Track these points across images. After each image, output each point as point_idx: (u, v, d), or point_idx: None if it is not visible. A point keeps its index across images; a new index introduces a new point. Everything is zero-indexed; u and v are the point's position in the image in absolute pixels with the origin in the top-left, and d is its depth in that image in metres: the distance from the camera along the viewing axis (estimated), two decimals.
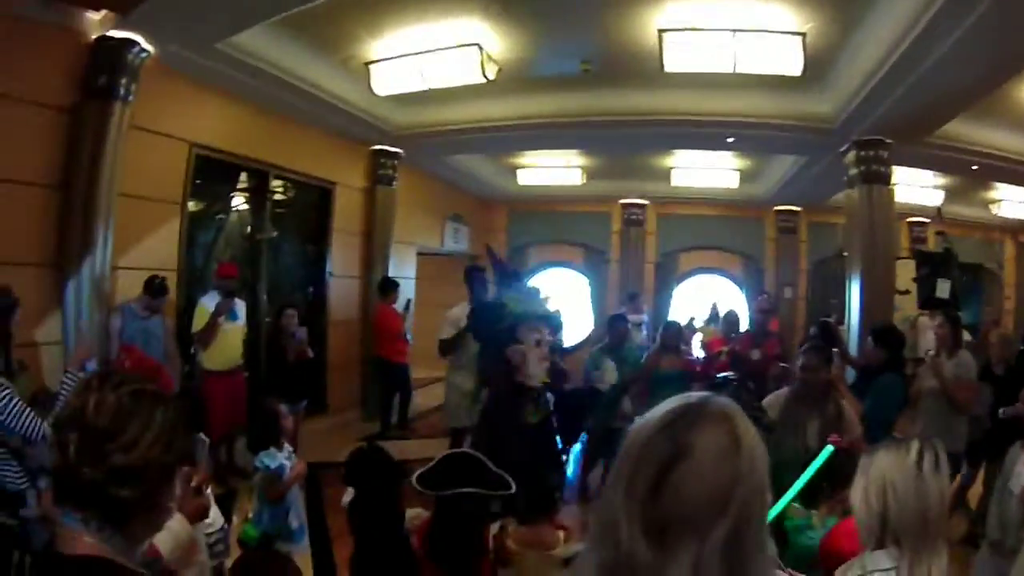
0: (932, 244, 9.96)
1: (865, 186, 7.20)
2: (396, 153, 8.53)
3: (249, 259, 6.87)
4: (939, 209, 8.82)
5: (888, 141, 7.05)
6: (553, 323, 4.81)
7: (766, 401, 4.15)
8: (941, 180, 9.51)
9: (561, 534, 3.10)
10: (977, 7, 4.37)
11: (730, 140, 8.06)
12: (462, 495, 2.81)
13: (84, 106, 4.86)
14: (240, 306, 5.83)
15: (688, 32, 5.48)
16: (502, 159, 10.45)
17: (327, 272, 7.91)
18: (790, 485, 1.87)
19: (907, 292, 8.13)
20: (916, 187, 9.79)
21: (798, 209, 11.55)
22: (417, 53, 5.99)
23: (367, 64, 6.23)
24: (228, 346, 5.73)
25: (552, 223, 12.52)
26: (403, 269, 9.24)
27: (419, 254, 10.11)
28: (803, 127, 7.20)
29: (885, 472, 1.77)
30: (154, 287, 5.08)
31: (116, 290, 5.15)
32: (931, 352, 5.29)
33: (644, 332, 10.05)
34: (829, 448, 2.20)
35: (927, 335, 6.87)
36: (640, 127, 7.65)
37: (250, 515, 3.87)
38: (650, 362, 6.29)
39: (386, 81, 6.32)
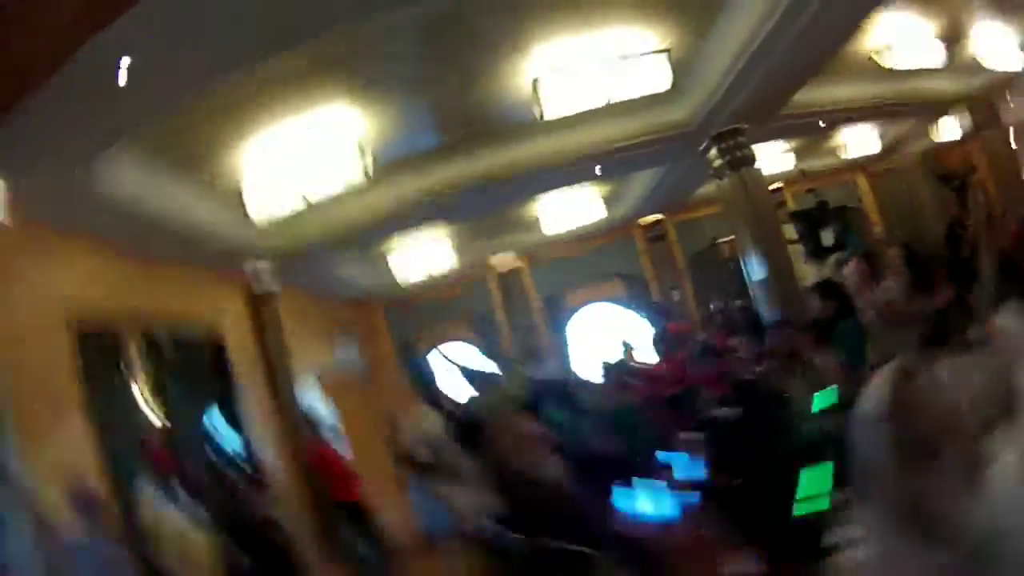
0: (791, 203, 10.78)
1: (734, 172, 7.62)
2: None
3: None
4: (802, 171, 9.48)
5: (744, 127, 7.51)
6: None
7: None
8: (789, 144, 10.19)
9: None
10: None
11: (598, 171, 8.23)
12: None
13: None
14: None
15: (561, 75, 5.54)
16: (376, 259, 10.05)
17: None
18: None
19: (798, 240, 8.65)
20: (767, 158, 10.34)
21: (662, 217, 11.97)
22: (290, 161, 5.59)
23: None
24: None
25: (434, 308, 12.22)
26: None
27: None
28: (663, 138, 7.50)
29: None
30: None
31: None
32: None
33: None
34: None
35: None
36: (513, 181, 7.62)
37: None
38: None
39: (261, 205, 5.80)
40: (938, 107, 10.17)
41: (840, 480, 2.89)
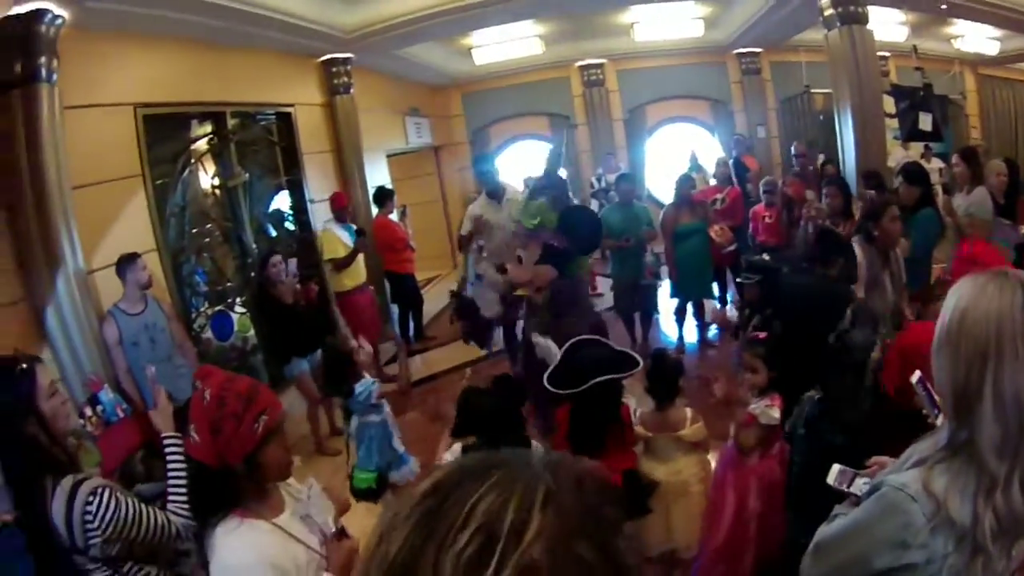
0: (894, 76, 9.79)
1: (845, 27, 6.99)
2: (348, 59, 7.77)
3: (226, 212, 6.28)
4: (915, 47, 8.54)
5: None
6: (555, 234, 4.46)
7: None
8: (905, 17, 9.24)
9: (688, 414, 3.16)
10: None
11: None
12: (597, 385, 2.79)
13: (5, 103, 4.08)
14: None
15: None
16: (454, 42, 9.70)
17: (307, 200, 7.31)
18: None
19: (894, 115, 8.02)
20: (880, 24, 9.41)
21: (759, 51, 11.18)
22: None
23: None
24: (355, 269, 6.62)
25: (509, 99, 11.95)
26: (378, 175, 8.67)
27: (387, 156, 9.52)
28: None
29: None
30: (122, 262, 4.47)
31: (100, 296, 4.54)
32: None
33: None
34: None
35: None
36: None
37: (354, 464, 3.84)
38: (668, 218, 6.29)
39: None
40: None
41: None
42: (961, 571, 1.18)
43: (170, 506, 2.33)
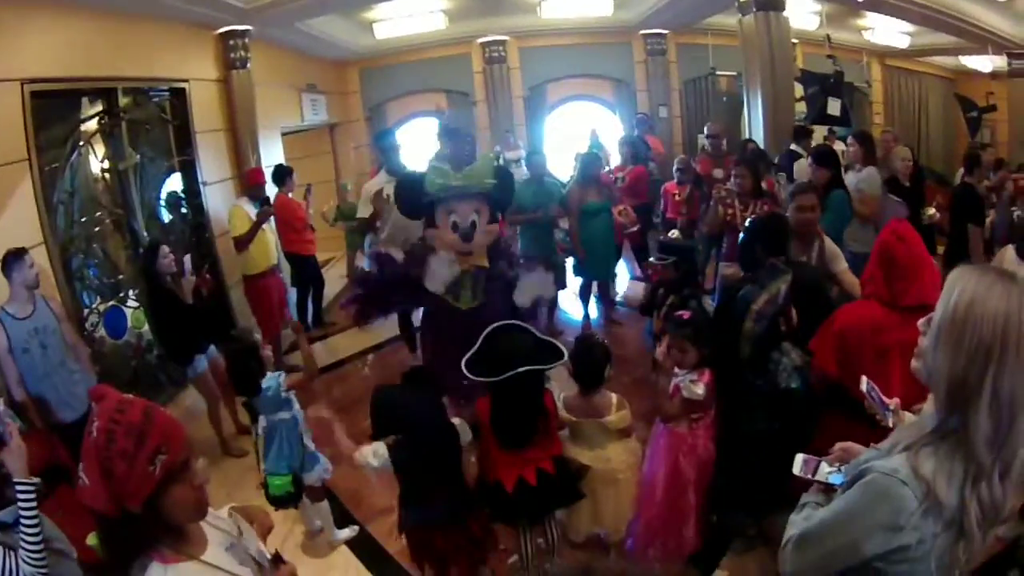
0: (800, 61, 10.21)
1: (761, 13, 7.19)
2: (246, 31, 7.23)
3: (116, 198, 5.73)
4: (828, 36, 8.90)
5: None
6: (498, 194, 4.28)
7: None
8: (819, 7, 9.58)
9: (614, 400, 3.14)
10: None
11: None
12: (519, 374, 2.67)
13: None
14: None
15: None
16: (356, 15, 9.29)
17: (200, 182, 6.79)
18: None
19: (801, 99, 8.39)
20: (792, 12, 9.78)
21: (665, 32, 11.29)
22: None
23: None
24: (266, 248, 6.27)
25: (408, 75, 11.56)
26: (272, 155, 8.17)
27: (282, 134, 9.02)
28: None
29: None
30: (8, 260, 3.98)
31: None
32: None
33: (523, 167, 9.97)
34: None
35: None
36: None
37: (264, 468, 3.62)
38: (574, 197, 6.24)
39: None
40: (979, 37, 9.71)
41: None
42: (945, 552, 1.27)
43: (21, 553, 2.27)
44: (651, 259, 5.10)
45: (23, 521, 2.28)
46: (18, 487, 2.31)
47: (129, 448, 1.40)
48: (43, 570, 2.25)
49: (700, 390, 3.03)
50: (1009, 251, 4.06)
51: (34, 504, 2.31)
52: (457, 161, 4.52)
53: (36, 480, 2.39)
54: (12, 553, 2.28)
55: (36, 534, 2.28)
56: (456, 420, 2.89)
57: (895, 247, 2.67)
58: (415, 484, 2.85)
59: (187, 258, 5.46)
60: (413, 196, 4.13)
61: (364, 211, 5.53)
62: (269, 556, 1.83)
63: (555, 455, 2.93)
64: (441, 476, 2.82)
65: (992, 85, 11.08)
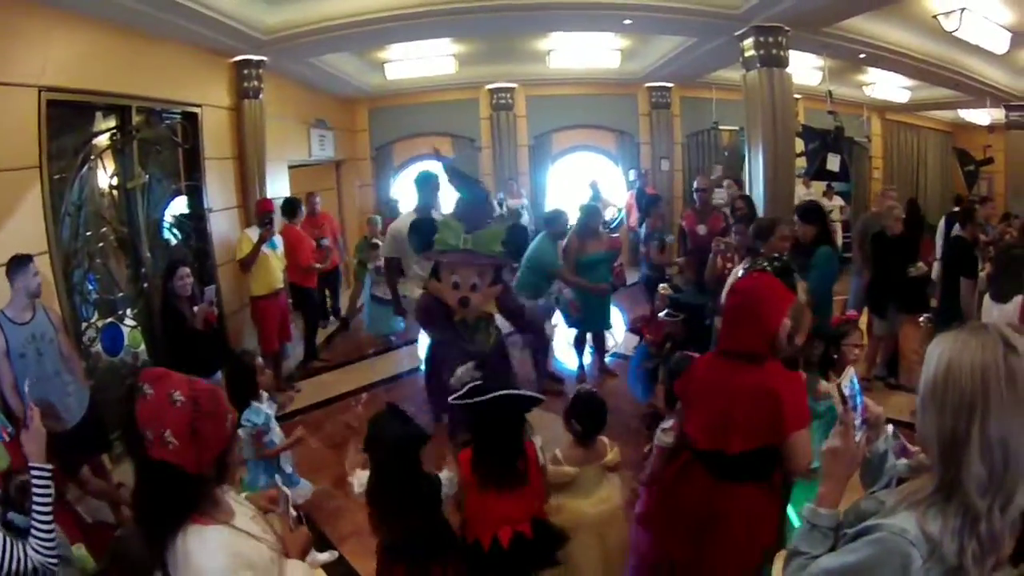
0: (802, 117, 10.42)
1: (765, 69, 7.32)
2: (261, 62, 7.37)
3: (122, 215, 5.72)
4: (830, 92, 9.10)
5: (787, 29, 7.16)
6: (504, 257, 4.51)
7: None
8: (822, 63, 9.76)
9: (607, 441, 3.24)
10: None
11: (627, 23, 7.72)
12: (500, 398, 2.81)
13: None
14: (278, 237, 6.73)
15: None
16: (369, 54, 9.46)
17: (205, 208, 6.82)
18: None
19: (802, 154, 8.51)
20: (795, 67, 10.01)
21: (670, 85, 11.56)
22: None
23: None
24: (272, 271, 6.56)
25: (416, 116, 11.75)
26: (278, 186, 8.26)
27: (289, 167, 9.08)
28: (705, 11, 7.08)
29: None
30: (13, 264, 3.96)
31: None
32: None
33: (526, 215, 10.06)
34: None
35: None
36: (528, 10, 7.09)
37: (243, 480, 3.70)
38: (572, 248, 6.20)
39: None
40: (977, 90, 10.03)
41: None
42: None
43: (31, 541, 2.27)
44: (661, 314, 5.26)
45: (36, 507, 2.30)
46: (33, 472, 2.32)
47: (212, 408, 1.69)
48: (53, 560, 2.25)
49: (669, 439, 3.00)
50: (986, 299, 4.13)
51: (49, 490, 2.32)
52: (470, 221, 4.54)
53: (51, 466, 2.36)
54: (19, 543, 2.26)
55: (48, 521, 2.29)
56: (443, 473, 2.86)
57: (729, 297, 2.85)
58: (377, 512, 2.81)
59: (210, 289, 5.56)
60: (425, 240, 4.40)
61: (389, 251, 5.54)
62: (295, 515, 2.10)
63: (536, 515, 2.89)
64: (401, 512, 2.75)
65: (990, 137, 11.36)
